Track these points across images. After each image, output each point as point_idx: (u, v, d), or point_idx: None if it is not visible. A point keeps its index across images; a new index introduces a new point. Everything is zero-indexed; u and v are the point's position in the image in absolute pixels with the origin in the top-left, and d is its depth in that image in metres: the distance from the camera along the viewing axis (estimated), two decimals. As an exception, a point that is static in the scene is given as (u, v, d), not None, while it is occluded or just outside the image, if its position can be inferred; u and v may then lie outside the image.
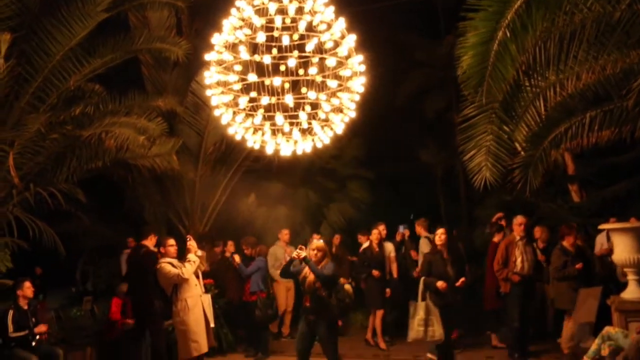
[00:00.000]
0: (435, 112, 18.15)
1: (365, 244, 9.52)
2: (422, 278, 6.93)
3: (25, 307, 7.15)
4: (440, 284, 6.75)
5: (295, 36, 5.19)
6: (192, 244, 6.81)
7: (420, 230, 10.13)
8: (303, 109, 5.46)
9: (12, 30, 7.42)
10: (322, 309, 6.04)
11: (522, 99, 6.39)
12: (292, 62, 5.09)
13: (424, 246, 9.34)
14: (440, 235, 7.06)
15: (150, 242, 7.53)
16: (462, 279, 6.87)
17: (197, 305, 6.61)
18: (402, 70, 17.41)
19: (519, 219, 8.02)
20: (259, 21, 5.08)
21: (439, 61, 15.98)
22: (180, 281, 6.51)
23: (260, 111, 5.55)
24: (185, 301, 6.52)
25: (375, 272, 8.93)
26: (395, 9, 15.58)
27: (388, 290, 9.17)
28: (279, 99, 5.28)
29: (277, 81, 5.10)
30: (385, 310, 9.21)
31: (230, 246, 9.87)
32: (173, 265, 6.57)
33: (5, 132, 7.79)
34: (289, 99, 5.17)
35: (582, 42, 5.79)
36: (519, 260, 7.81)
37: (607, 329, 5.83)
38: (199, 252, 6.87)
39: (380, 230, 9.36)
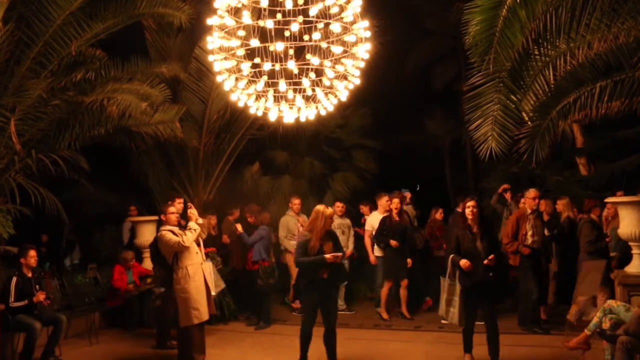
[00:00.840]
0: (444, 82, 17.97)
1: (373, 214, 9.50)
2: (451, 256, 6.27)
3: (29, 275, 7.16)
4: (463, 262, 6.07)
5: (300, 0, 5.06)
6: (192, 211, 6.77)
7: (365, 210, 10.38)
8: (307, 76, 5.35)
9: (9, -7, 7.28)
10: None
11: (531, 67, 6.26)
12: (295, 27, 4.98)
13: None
14: (471, 208, 6.25)
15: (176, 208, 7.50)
16: (491, 256, 6.06)
17: (197, 272, 6.59)
18: (411, 38, 17.18)
19: (532, 193, 7.89)
20: (261, -16, 4.95)
21: (449, 29, 15.71)
22: (181, 249, 6.49)
23: (264, 77, 5.45)
24: (186, 269, 6.50)
25: (393, 242, 8.77)
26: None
27: (409, 260, 8.98)
28: (282, 65, 5.17)
29: (279, 46, 4.99)
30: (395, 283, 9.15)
31: (236, 213, 9.89)
32: (174, 233, 6.54)
33: (6, 97, 7.70)
34: (292, 65, 5.06)
35: (595, 10, 5.63)
36: (529, 234, 7.73)
37: (609, 302, 5.79)
38: (200, 220, 6.83)
39: (399, 199, 9.19)
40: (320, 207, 6.30)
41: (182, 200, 7.75)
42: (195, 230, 6.62)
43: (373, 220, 9.36)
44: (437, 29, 17.57)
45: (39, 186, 7.88)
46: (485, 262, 6.04)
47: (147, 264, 9.04)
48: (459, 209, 8.45)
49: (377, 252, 9.19)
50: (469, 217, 6.26)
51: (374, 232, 9.21)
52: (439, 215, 10.04)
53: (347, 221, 9.97)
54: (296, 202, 9.97)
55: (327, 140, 13.75)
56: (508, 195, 9.53)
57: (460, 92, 14.39)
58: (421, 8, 17.54)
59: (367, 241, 9.49)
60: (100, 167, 9.81)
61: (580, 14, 5.70)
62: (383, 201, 9.26)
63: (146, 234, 9.49)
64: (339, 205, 9.89)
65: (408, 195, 10.34)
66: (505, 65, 5.77)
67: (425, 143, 18.25)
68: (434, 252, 9.61)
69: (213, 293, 6.97)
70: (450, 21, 14.81)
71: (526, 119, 6.48)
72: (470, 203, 6.29)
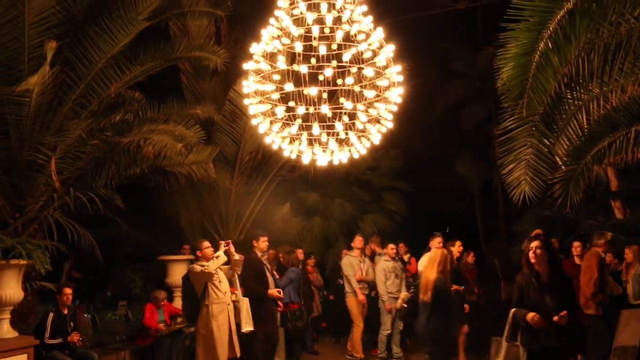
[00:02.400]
0: (473, 124, 17.97)
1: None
2: (512, 310, 5.13)
3: (65, 312, 7.28)
4: (531, 316, 4.84)
5: (334, 46, 5.19)
6: (230, 247, 6.88)
7: (374, 247, 10.12)
8: (340, 119, 5.43)
9: (57, 38, 7.61)
10: None
11: (564, 111, 6.25)
12: (329, 72, 5.08)
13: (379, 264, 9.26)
14: (534, 249, 5.12)
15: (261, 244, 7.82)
16: (563, 313, 4.78)
17: (222, 313, 6.63)
18: (441, 80, 17.31)
19: (605, 237, 7.66)
20: (296, 31, 5.09)
21: (478, 72, 15.82)
22: (207, 278, 6.56)
23: (298, 121, 5.54)
24: (211, 307, 6.56)
25: (458, 288, 8.30)
26: (434, 19, 15.48)
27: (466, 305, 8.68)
28: (316, 109, 5.26)
29: (313, 91, 5.09)
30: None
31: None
32: (202, 266, 6.64)
33: (48, 137, 7.97)
34: (325, 109, 5.15)
35: (627, 54, 5.62)
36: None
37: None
38: (237, 256, 6.91)
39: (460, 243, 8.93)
40: (445, 251, 6.47)
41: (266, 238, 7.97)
42: (218, 257, 6.69)
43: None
44: (465, 71, 17.68)
45: (75, 223, 8.06)
46: (556, 318, 4.79)
47: (178, 303, 9.08)
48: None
49: None
50: (533, 261, 5.12)
51: None
52: (470, 258, 9.90)
53: (399, 263, 9.66)
54: (359, 239, 9.75)
55: (357, 182, 13.81)
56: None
57: (490, 134, 14.42)
58: (450, 51, 17.72)
59: None
60: (133, 205, 9.98)
61: (613, 58, 5.69)
62: (436, 243, 8.66)
63: (177, 273, 9.56)
64: (392, 248, 9.59)
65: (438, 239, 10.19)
66: (538, 110, 5.77)
67: (455, 185, 18.14)
68: (465, 297, 9.42)
69: (246, 329, 6.96)
70: (479, 64, 14.95)
71: (560, 163, 6.44)
72: (534, 244, 5.17)
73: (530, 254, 5.13)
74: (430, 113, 17.38)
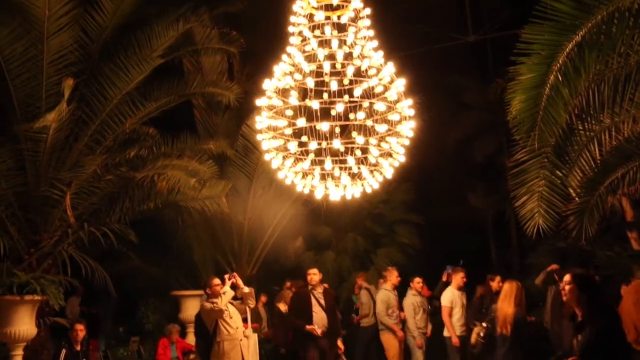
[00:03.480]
0: (485, 156, 17.95)
1: (448, 289, 8.77)
2: None
3: (77, 348, 7.26)
4: None
5: (345, 81, 5.25)
6: (238, 280, 6.87)
7: (360, 282, 10.02)
8: (352, 154, 5.46)
9: (74, 76, 7.79)
10: None
11: (576, 142, 6.24)
12: (340, 107, 5.13)
13: (364, 297, 9.24)
14: (564, 284, 4.30)
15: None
16: (572, 358, 4.16)
17: (234, 349, 6.59)
18: (452, 113, 17.37)
19: None
20: (308, 67, 5.17)
21: (489, 104, 15.86)
22: (217, 315, 6.54)
23: (311, 155, 5.57)
24: (223, 344, 6.53)
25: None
26: (445, 52, 15.64)
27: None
28: (328, 144, 5.30)
29: (325, 126, 5.13)
30: None
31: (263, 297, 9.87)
32: (212, 303, 6.63)
33: (63, 172, 8.09)
34: (337, 144, 5.18)
35: (638, 84, 5.64)
36: None
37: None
38: (246, 289, 6.90)
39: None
40: (519, 284, 6.45)
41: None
42: (225, 293, 6.68)
43: (450, 296, 8.60)
44: (476, 103, 17.75)
45: (89, 258, 8.09)
46: None
47: (191, 339, 9.03)
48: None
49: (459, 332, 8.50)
50: (564, 299, 4.40)
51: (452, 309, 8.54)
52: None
53: (424, 298, 9.29)
54: (395, 273, 9.19)
55: (370, 215, 13.78)
56: (557, 277, 9.05)
57: (502, 166, 14.39)
58: (461, 84, 17.82)
59: (447, 320, 8.49)
60: (146, 239, 10.01)
61: (623, 89, 5.69)
62: (459, 277, 8.67)
63: (190, 309, 9.54)
64: (419, 282, 9.16)
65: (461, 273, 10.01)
66: (549, 141, 5.77)
67: (468, 217, 18.04)
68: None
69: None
70: (490, 96, 15.01)
71: (573, 195, 6.40)
72: (565, 278, 4.31)
73: (562, 292, 4.39)
74: (442, 145, 17.40)
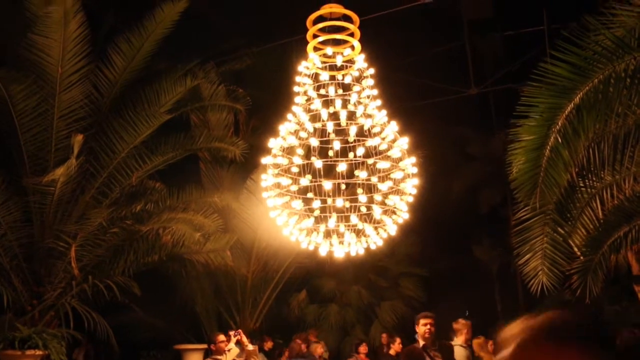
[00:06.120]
0: (490, 207, 17.94)
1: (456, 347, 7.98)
2: None
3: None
4: None
5: (350, 138, 5.34)
6: (243, 338, 6.81)
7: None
8: (357, 210, 5.51)
9: (83, 129, 7.95)
10: None
11: (577, 200, 6.27)
12: (342, 167, 5.21)
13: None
14: None
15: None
16: None
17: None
18: (456, 164, 17.46)
19: None
20: (312, 127, 5.28)
21: (493, 155, 15.95)
22: None
23: (316, 212, 5.61)
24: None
25: None
26: (449, 104, 15.85)
27: None
28: (332, 201, 5.35)
29: (327, 185, 5.20)
30: None
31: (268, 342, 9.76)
32: (217, 360, 6.57)
33: (69, 224, 8.14)
34: (340, 202, 5.24)
35: (637, 142, 5.70)
36: None
37: None
38: (250, 347, 6.83)
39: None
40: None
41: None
42: (231, 350, 6.62)
43: (457, 353, 7.55)
44: (481, 154, 17.86)
45: (91, 310, 8.06)
46: None
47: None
48: None
49: None
50: None
51: None
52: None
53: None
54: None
55: (374, 268, 13.73)
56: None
57: (506, 217, 14.36)
58: (466, 135, 17.98)
59: None
60: (149, 291, 9.97)
61: (623, 147, 5.76)
62: (464, 331, 7.81)
63: (192, 363, 9.43)
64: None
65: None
66: (551, 200, 5.81)
67: (473, 269, 17.91)
68: None
69: None
70: (494, 147, 15.13)
71: (578, 253, 6.39)
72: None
73: None
74: (446, 197, 17.43)
